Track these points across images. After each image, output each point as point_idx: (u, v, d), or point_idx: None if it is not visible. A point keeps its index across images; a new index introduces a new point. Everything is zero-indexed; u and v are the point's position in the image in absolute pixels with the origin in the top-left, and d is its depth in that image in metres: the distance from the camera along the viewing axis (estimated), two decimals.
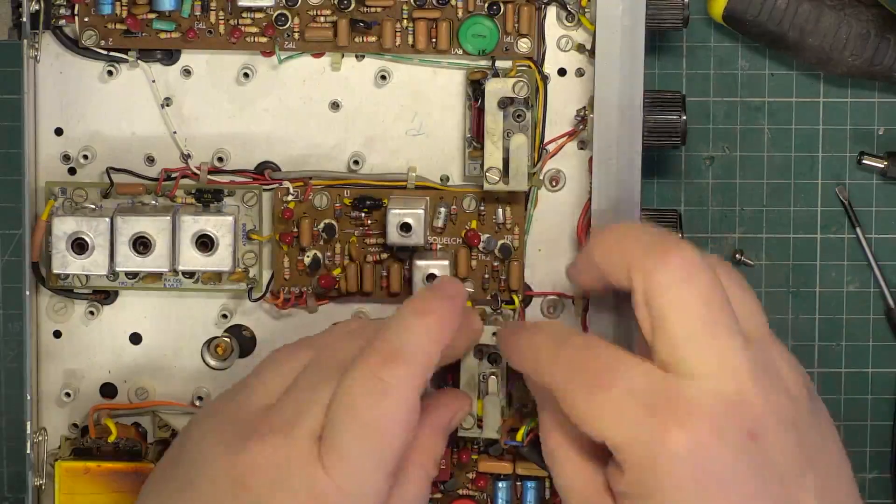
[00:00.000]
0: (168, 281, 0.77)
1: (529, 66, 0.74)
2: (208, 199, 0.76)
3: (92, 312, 0.77)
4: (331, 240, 0.76)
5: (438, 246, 0.76)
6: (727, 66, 0.81)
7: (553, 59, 0.75)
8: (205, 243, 0.75)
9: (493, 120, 0.73)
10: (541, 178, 0.76)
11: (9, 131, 0.81)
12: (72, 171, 0.77)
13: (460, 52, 0.75)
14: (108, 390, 0.78)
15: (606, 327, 0.73)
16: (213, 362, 0.77)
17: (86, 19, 0.75)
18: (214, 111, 0.77)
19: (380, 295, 0.76)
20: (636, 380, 0.62)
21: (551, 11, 0.75)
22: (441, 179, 0.76)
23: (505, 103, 0.73)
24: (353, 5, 0.74)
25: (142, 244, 0.74)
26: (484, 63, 0.75)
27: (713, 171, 0.81)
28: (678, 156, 0.81)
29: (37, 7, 0.74)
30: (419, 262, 0.75)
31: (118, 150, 0.77)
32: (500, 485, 0.77)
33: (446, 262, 0.74)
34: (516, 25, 0.74)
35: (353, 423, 0.64)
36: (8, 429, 0.83)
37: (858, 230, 0.81)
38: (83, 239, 0.74)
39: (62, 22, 0.76)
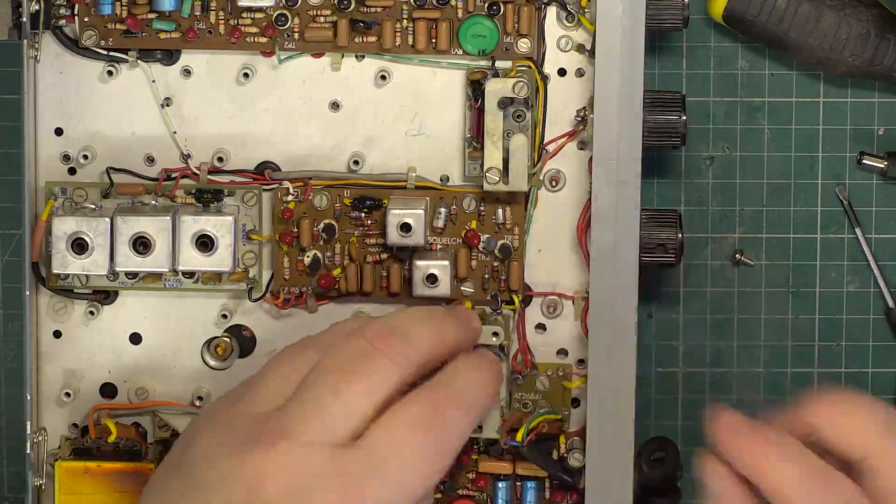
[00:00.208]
0: (168, 281, 0.77)
1: (529, 67, 0.74)
2: (208, 199, 0.76)
3: (92, 312, 0.77)
4: (331, 240, 0.76)
5: (438, 246, 0.76)
6: (727, 66, 0.81)
7: (553, 60, 0.75)
8: (205, 243, 0.75)
9: (493, 120, 0.73)
10: (541, 178, 0.76)
11: (9, 131, 0.81)
12: (72, 171, 0.77)
13: (460, 52, 0.75)
14: (108, 390, 0.78)
15: None
16: (213, 362, 0.77)
17: (86, 19, 0.75)
18: (214, 111, 0.77)
19: (380, 295, 0.76)
20: None
21: (551, 11, 0.75)
22: (441, 180, 0.76)
23: (505, 103, 0.73)
24: (353, 5, 0.74)
25: (142, 244, 0.74)
26: (484, 63, 0.75)
27: (713, 171, 0.81)
28: (678, 156, 0.81)
29: (37, 7, 0.74)
30: (419, 263, 0.75)
31: (118, 150, 0.77)
32: (500, 485, 0.77)
33: (446, 263, 0.74)
34: (516, 25, 0.74)
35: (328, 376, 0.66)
36: (8, 429, 0.83)
37: (858, 230, 0.81)
38: (83, 239, 0.74)
39: (62, 22, 0.75)
